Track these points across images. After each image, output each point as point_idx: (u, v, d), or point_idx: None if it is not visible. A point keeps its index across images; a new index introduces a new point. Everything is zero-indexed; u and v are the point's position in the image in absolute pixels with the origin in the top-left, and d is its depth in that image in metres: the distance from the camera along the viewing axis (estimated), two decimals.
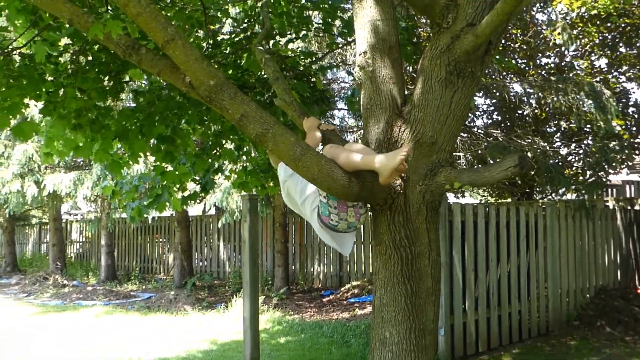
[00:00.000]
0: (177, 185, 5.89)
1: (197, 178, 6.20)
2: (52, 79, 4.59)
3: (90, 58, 4.83)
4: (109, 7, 4.36)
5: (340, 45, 6.52)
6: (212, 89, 2.89)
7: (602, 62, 12.80)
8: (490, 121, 13.22)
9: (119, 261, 17.41)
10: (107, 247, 15.31)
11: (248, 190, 6.25)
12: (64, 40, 4.63)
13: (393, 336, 3.10)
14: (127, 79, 5.26)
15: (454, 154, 9.72)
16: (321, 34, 5.83)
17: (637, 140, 13.22)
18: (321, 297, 11.70)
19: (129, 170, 6.34)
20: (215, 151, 6.00)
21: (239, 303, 9.83)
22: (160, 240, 17.15)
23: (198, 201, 13.03)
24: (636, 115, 13.10)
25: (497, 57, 7.81)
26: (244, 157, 6.41)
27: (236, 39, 5.68)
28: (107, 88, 5.13)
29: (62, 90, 4.58)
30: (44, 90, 4.50)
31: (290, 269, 13.16)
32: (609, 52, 12.13)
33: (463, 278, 6.86)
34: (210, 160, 5.97)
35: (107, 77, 5.00)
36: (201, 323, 9.38)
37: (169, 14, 5.13)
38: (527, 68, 12.18)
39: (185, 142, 5.65)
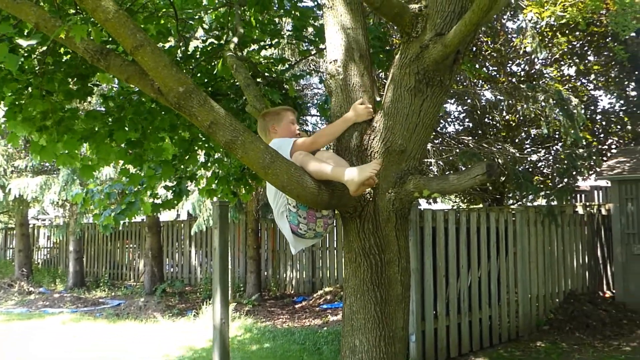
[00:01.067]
0: (149, 191, 5.82)
1: (170, 185, 6.13)
2: (17, 79, 4.50)
3: (57, 59, 4.75)
4: (79, 11, 4.30)
5: (312, 52, 6.53)
6: (181, 96, 2.86)
7: (571, 70, 13.03)
8: (461, 128, 13.36)
9: (87, 267, 17.14)
10: (76, 253, 15.05)
11: (215, 196, 6.21)
12: (30, 42, 4.54)
13: (363, 344, 3.10)
14: (96, 81, 5.19)
15: (425, 160, 9.79)
16: (294, 41, 5.84)
17: (605, 146, 13.50)
18: (294, 303, 11.67)
19: (99, 174, 6.25)
20: (186, 157, 5.95)
21: (209, 310, 9.74)
22: (131, 246, 16.92)
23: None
24: (604, 123, 13.38)
25: (469, 64, 7.91)
26: (216, 164, 6.36)
27: (209, 47, 5.65)
28: (75, 90, 5.06)
29: (28, 90, 4.50)
30: (9, 93, 4.41)
31: (262, 275, 13.10)
32: (577, 60, 12.37)
33: (434, 284, 6.90)
34: (180, 167, 5.90)
35: (74, 80, 4.93)
36: (171, 330, 9.27)
37: (139, 20, 5.07)
38: (497, 75, 12.35)
39: (159, 147, 5.60)
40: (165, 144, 5.59)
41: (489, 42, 11.72)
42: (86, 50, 3.08)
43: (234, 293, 12.37)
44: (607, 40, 11.45)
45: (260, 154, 2.85)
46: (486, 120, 12.71)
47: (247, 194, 6.24)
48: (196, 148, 5.91)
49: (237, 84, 5.52)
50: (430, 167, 10.85)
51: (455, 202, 16.62)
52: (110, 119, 5.11)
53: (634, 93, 12.90)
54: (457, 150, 9.74)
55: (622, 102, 13.13)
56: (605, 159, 11.97)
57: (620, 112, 13.21)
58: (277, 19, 6.55)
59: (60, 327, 9.83)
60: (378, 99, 3.46)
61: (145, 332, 9.19)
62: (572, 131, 9.11)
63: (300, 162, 2.94)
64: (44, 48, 4.36)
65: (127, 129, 5.18)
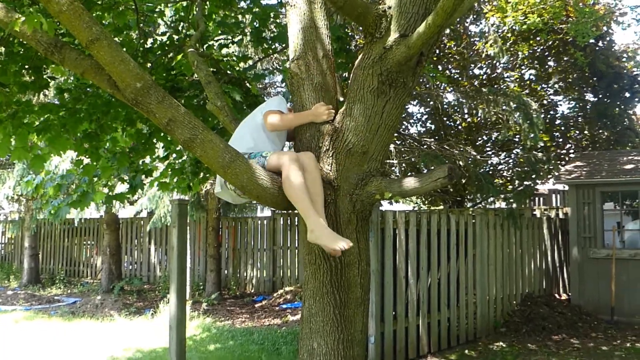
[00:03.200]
0: (103, 183, 5.72)
1: (126, 178, 6.02)
2: None
3: (10, 50, 4.60)
4: (34, 2, 4.16)
5: (276, 51, 6.47)
6: (138, 92, 2.78)
7: (532, 75, 13.27)
8: (423, 129, 13.47)
9: (43, 264, 16.70)
10: (31, 249, 14.67)
11: (167, 190, 6.13)
12: None
13: (321, 347, 3.07)
14: (51, 74, 5.05)
15: (387, 161, 9.82)
16: (256, 39, 5.78)
17: (563, 151, 13.79)
18: (253, 302, 11.58)
19: (48, 164, 6.09)
20: (144, 150, 5.85)
21: (168, 308, 9.60)
22: (89, 242, 16.56)
23: (127, 203, 12.67)
24: (563, 127, 13.67)
25: (433, 68, 7.96)
26: (175, 157, 6.27)
27: (168, 41, 5.55)
28: (29, 83, 4.92)
29: None
30: None
31: (222, 274, 12.97)
32: (537, 65, 12.59)
33: (394, 285, 6.91)
34: (136, 160, 5.81)
35: (29, 72, 4.78)
36: (127, 329, 9.09)
37: (98, 12, 4.94)
38: (460, 78, 12.48)
39: (114, 139, 5.49)
40: (117, 134, 5.49)
41: (452, 45, 11.83)
42: (39, 43, 2.97)
43: (193, 292, 12.22)
44: (567, 47, 11.69)
45: (220, 153, 2.79)
46: (448, 122, 12.85)
47: (198, 185, 6.18)
48: (154, 140, 5.82)
49: (196, 79, 5.44)
50: (393, 168, 10.90)
51: (416, 203, 16.76)
52: (64, 111, 4.98)
53: (592, 99, 13.20)
54: (419, 152, 9.80)
55: (580, 107, 13.42)
56: (563, 163, 12.22)
57: (579, 118, 13.50)
58: (240, 16, 6.49)
59: (13, 326, 9.54)
60: (341, 99, 3.43)
61: (99, 331, 8.99)
62: (532, 135, 9.27)
63: (277, 164, 2.91)
64: None
65: (82, 121, 5.06)
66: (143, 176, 6.11)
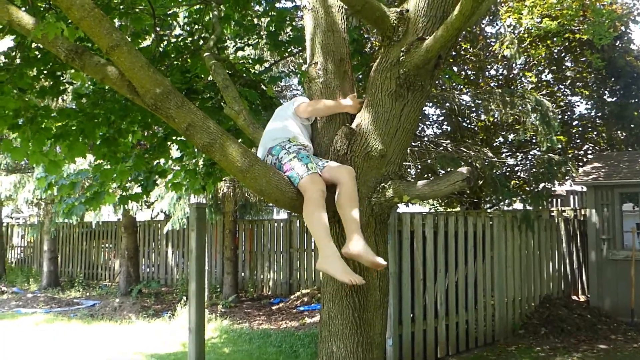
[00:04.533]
0: (116, 184, 5.75)
1: (140, 179, 6.05)
2: None
3: (27, 54, 4.65)
4: (52, 7, 4.21)
5: (292, 53, 6.49)
6: (158, 97, 2.81)
7: (549, 76, 13.18)
8: (440, 131, 13.42)
9: (62, 267, 16.85)
10: (50, 253, 14.80)
11: (181, 190, 6.17)
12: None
13: (340, 350, 3.07)
14: (69, 79, 5.10)
15: (404, 163, 9.79)
16: (272, 42, 5.81)
17: (581, 152, 13.67)
18: (270, 305, 11.60)
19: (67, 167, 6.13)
20: (159, 152, 5.89)
21: (185, 311, 9.64)
22: (107, 245, 16.69)
23: (144, 205, 12.75)
24: (580, 128, 13.55)
25: (447, 68, 7.93)
26: (189, 159, 6.31)
27: (183, 43, 5.59)
28: (48, 88, 4.97)
29: None
30: None
31: (239, 276, 13.01)
32: (554, 67, 12.49)
33: (412, 288, 6.89)
34: (151, 161, 5.85)
35: (47, 77, 4.83)
36: (146, 332, 9.15)
37: (116, 16, 4.99)
38: (476, 79, 12.42)
39: (126, 142, 5.53)
40: (127, 141, 5.53)
41: (469, 47, 11.78)
42: (60, 49, 3.00)
43: (210, 294, 12.26)
44: (584, 47, 11.58)
45: (239, 157, 2.81)
46: (464, 123, 12.79)
47: (212, 186, 6.21)
48: (169, 143, 5.86)
49: (212, 81, 5.47)
50: (409, 170, 10.87)
51: (433, 205, 16.70)
52: (82, 116, 5.02)
53: (609, 100, 13.07)
54: (436, 154, 9.76)
55: (598, 108, 13.29)
56: (581, 164, 12.11)
57: (597, 119, 13.37)
58: (255, 19, 6.52)
59: (33, 328, 9.65)
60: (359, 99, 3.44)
61: (118, 333, 9.06)
62: (549, 137, 9.20)
63: (304, 187, 2.88)
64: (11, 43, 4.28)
65: (100, 125, 5.10)
66: (157, 177, 6.14)
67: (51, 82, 4.97)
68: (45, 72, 4.85)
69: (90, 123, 5.05)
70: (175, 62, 5.59)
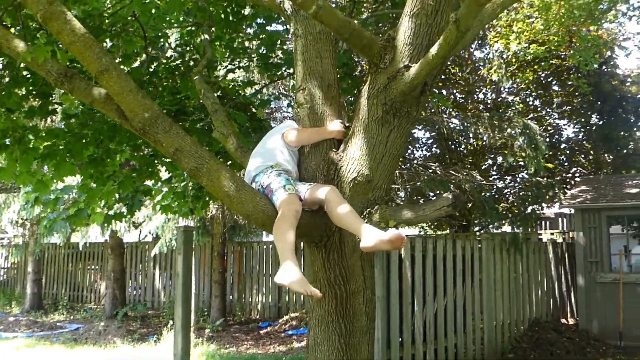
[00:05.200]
0: (102, 203, 5.71)
1: (126, 198, 6.02)
2: None
3: (14, 74, 4.64)
4: (43, 29, 4.21)
5: (283, 76, 6.53)
6: (146, 122, 2.81)
7: (537, 101, 13.33)
8: (429, 154, 13.49)
9: (46, 289, 16.59)
10: (34, 274, 14.59)
11: (170, 212, 6.13)
12: None
13: None
14: (58, 100, 5.10)
15: (392, 186, 9.82)
16: (262, 64, 5.85)
17: (569, 175, 13.77)
18: (258, 328, 11.50)
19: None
20: (147, 172, 5.86)
21: (172, 335, 9.54)
22: (93, 267, 16.50)
23: (132, 226, 12.66)
24: (568, 152, 13.68)
25: (436, 91, 8.00)
26: (177, 181, 6.29)
27: (173, 64, 5.61)
28: (37, 108, 4.96)
29: None
30: None
31: (227, 299, 12.89)
32: (542, 91, 12.65)
33: (400, 311, 6.86)
34: (138, 181, 5.82)
35: (36, 97, 4.83)
36: (131, 356, 9.03)
37: (107, 37, 5.00)
38: (465, 103, 12.54)
39: (114, 162, 5.51)
40: (116, 161, 5.51)
41: (457, 71, 11.91)
42: (49, 73, 3.01)
43: (197, 318, 12.14)
44: (571, 72, 11.75)
45: (226, 182, 2.81)
46: (453, 147, 12.87)
47: (201, 210, 6.18)
48: (156, 162, 5.85)
49: (202, 102, 5.48)
50: (398, 193, 10.89)
51: (422, 227, 16.71)
52: (70, 137, 5.01)
53: (596, 123, 13.22)
54: (425, 177, 9.80)
55: (585, 131, 13.44)
56: (569, 187, 12.20)
57: (584, 142, 13.51)
58: (246, 42, 6.56)
59: (13, 353, 9.49)
60: (347, 123, 3.46)
61: (101, 358, 8.93)
62: (536, 160, 9.28)
63: (278, 205, 2.87)
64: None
65: (88, 146, 5.09)
66: (143, 196, 6.11)
67: (40, 102, 4.97)
68: (34, 92, 4.85)
69: (78, 143, 5.04)
70: (165, 83, 5.61)
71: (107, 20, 4.83)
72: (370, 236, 2.68)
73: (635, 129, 12.98)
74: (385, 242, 2.66)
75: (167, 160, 5.66)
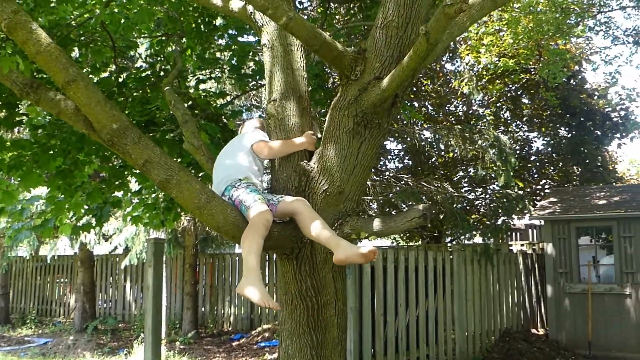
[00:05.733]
0: (70, 214, 5.62)
1: (94, 209, 5.93)
2: None
3: None
4: (11, 40, 4.15)
5: (254, 88, 6.52)
6: (114, 133, 2.78)
7: (507, 113, 13.53)
8: (401, 165, 13.58)
9: (13, 303, 16.23)
10: (1, 288, 14.33)
11: (141, 224, 6.06)
12: None
13: None
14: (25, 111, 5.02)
15: (365, 198, 9.86)
16: (234, 76, 5.83)
17: (539, 186, 13.98)
18: (231, 341, 11.39)
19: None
20: (116, 184, 5.79)
21: (143, 347, 9.39)
22: (62, 280, 16.18)
23: (101, 238, 12.47)
24: (537, 164, 13.89)
25: (408, 104, 8.06)
26: (148, 193, 6.22)
27: (143, 74, 5.56)
28: (2, 119, 4.87)
29: None
30: None
31: (199, 312, 12.75)
32: (511, 105, 12.85)
33: (372, 323, 6.86)
34: (107, 192, 5.74)
35: (1, 108, 4.74)
36: None
37: (75, 46, 4.94)
38: (436, 115, 12.66)
39: (82, 174, 5.43)
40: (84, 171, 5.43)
41: (429, 83, 12.03)
42: (15, 83, 2.95)
43: (169, 330, 11.98)
44: (540, 86, 11.95)
45: (196, 194, 2.78)
46: (425, 158, 12.98)
47: (172, 222, 6.11)
48: (126, 173, 5.78)
49: (173, 113, 5.43)
50: (371, 204, 10.93)
51: (394, 238, 16.77)
52: (37, 148, 4.92)
53: (565, 136, 13.46)
54: (397, 189, 9.86)
55: (554, 144, 13.66)
56: (538, 198, 12.38)
57: (553, 154, 13.74)
58: (218, 53, 6.53)
59: None
60: (319, 135, 3.46)
61: None
62: (506, 172, 9.40)
63: (249, 214, 2.85)
64: None
65: (55, 157, 5.00)
66: (111, 208, 6.03)
67: (6, 114, 4.88)
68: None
69: (45, 155, 4.96)
70: (135, 94, 5.55)
71: (75, 30, 4.78)
72: (342, 249, 2.68)
73: (603, 142, 13.25)
74: (357, 255, 2.67)
75: (137, 171, 5.60)
